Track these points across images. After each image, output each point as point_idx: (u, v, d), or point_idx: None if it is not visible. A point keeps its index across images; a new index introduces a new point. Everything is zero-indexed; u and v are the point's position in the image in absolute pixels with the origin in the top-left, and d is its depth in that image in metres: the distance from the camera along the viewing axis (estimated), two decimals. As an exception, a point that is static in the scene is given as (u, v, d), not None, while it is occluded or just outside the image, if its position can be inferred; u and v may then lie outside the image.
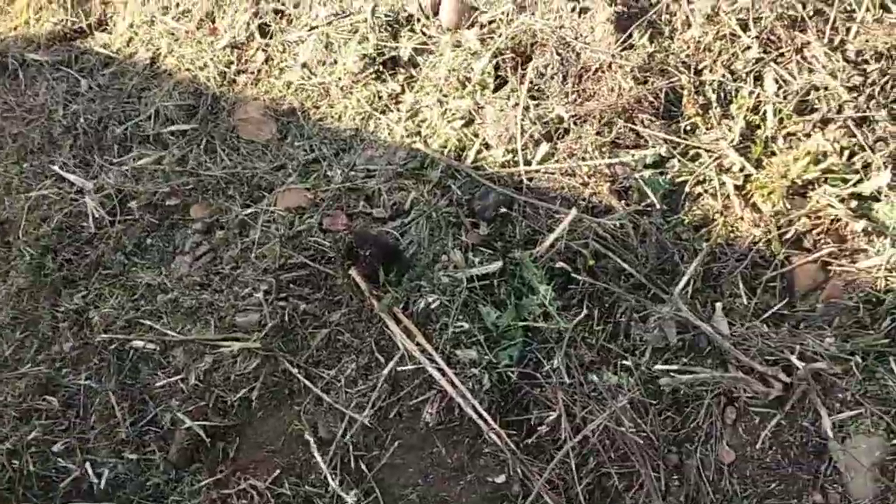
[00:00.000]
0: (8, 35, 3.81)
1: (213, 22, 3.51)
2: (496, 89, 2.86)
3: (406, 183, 2.80)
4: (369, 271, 2.60)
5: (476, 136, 2.80)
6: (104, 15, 3.76)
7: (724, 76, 2.49)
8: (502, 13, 3.02)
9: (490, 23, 3.04)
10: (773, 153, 2.38)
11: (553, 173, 2.56)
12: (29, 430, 2.65)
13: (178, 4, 3.60)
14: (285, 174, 3.01)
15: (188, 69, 3.40)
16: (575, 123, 2.61)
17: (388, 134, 2.98)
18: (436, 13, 3.19)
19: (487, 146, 2.75)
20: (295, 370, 2.51)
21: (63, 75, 3.58)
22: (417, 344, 2.42)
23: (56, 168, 3.31)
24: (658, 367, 2.15)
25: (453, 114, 2.88)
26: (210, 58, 3.38)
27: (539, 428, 2.23)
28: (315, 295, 2.67)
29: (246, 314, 2.68)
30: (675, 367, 2.14)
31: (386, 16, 3.22)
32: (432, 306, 2.43)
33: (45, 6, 3.81)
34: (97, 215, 3.11)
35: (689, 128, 2.52)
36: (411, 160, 2.86)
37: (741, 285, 2.25)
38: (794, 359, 2.07)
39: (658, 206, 2.39)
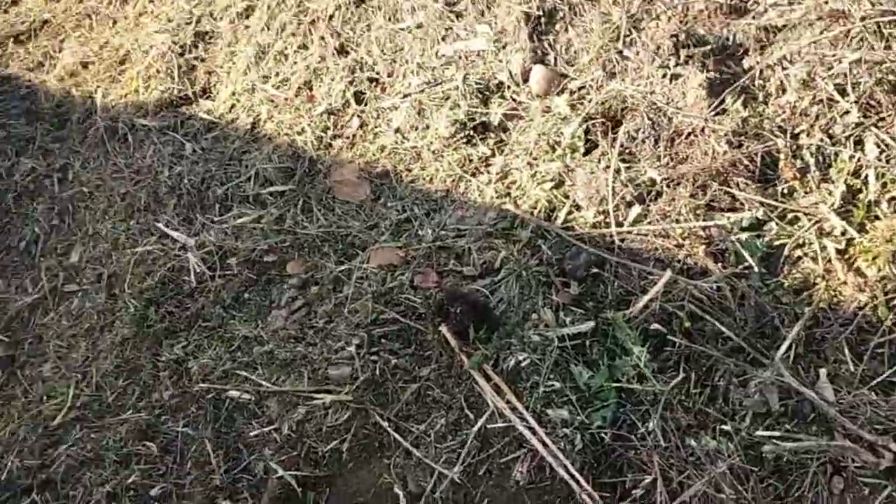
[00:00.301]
0: (119, 102, 4.07)
1: (311, 90, 3.69)
2: (586, 153, 2.91)
3: (496, 242, 2.85)
4: (459, 328, 2.64)
5: (566, 197, 2.84)
6: (208, 83, 3.99)
7: (822, 140, 2.48)
8: (592, 80, 3.09)
9: (580, 89, 3.12)
10: (877, 217, 2.34)
11: (646, 235, 2.57)
12: (128, 473, 2.74)
13: (277, 73, 3.80)
14: (378, 233, 3.10)
15: (286, 134, 3.57)
16: (668, 186, 2.63)
17: (479, 195, 3.05)
18: (525, 80, 3.28)
19: (578, 207, 2.79)
20: (385, 423, 2.54)
21: (169, 139, 3.80)
22: (507, 402, 2.42)
23: (160, 225, 3.48)
24: (760, 433, 2.10)
25: (543, 176, 2.94)
26: (307, 123, 3.55)
27: (633, 491, 2.19)
28: (406, 350, 2.71)
29: (338, 367, 2.74)
30: (777, 433, 2.09)
31: (477, 83, 3.33)
32: (522, 364, 2.44)
33: (153, 75, 4.07)
34: (198, 270, 3.25)
35: (786, 191, 2.50)
36: (501, 220, 2.91)
37: (846, 351, 2.19)
38: (905, 428, 2.00)
39: (756, 269, 2.36)
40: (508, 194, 3.00)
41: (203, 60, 4.06)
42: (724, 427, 2.16)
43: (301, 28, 3.86)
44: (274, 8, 4.00)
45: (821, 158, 2.49)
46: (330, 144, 3.50)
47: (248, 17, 4.10)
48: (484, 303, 2.68)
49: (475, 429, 2.41)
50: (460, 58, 3.47)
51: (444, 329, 2.65)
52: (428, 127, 3.33)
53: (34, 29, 4.65)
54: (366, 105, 3.54)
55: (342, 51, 3.72)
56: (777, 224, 2.44)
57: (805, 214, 2.41)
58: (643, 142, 2.79)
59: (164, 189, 3.61)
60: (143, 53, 4.18)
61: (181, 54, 4.07)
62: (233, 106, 3.82)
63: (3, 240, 3.81)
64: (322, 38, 3.78)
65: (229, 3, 4.17)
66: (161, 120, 3.89)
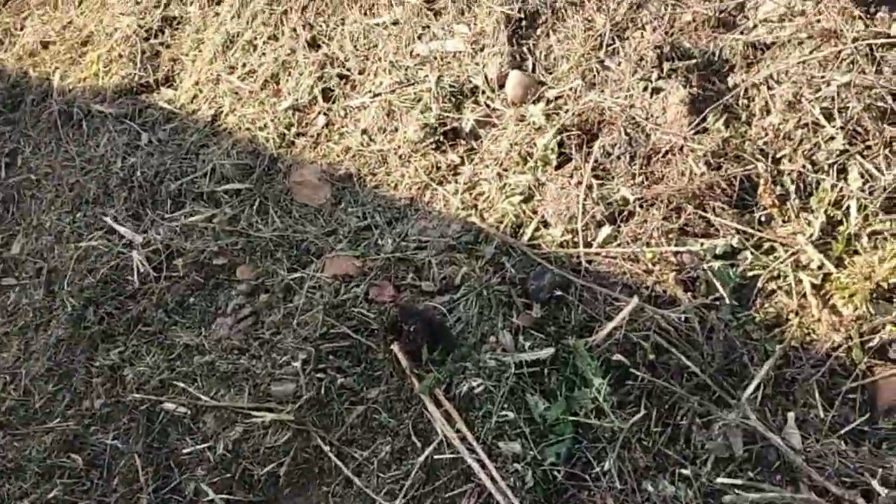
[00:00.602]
0: (77, 86, 3.93)
1: (278, 83, 3.56)
2: (559, 166, 2.80)
3: (458, 257, 2.73)
4: (412, 348, 2.51)
5: (535, 213, 2.73)
6: (172, 71, 3.86)
7: (804, 167, 2.38)
8: (570, 89, 2.98)
9: (557, 98, 3.01)
10: (857, 252, 2.23)
11: (615, 257, 2.46)
12: (50, 487, 2.60)
13: (244, 64, 3.68)
14: (335, 240, 2.98)
15: (248, 129, 3.44)
16: (641, 206, 2.52)
17: (444, 205, 2.94)
18: (501, 86, 3.17)
19: (546, 224, 2.68)
20: (327, 447, 2.42)
21: (125, 128, 3.66)
22: (457, 431, 2.30)
23: (108, 220, 3.35)
24: (721, 479, 1.99)
25: (512, 189, 2.82)
26: (271, 119, 3.42)
27: (584, 535, 2.08)
28: (354, 369, 2.59)
29: (282, 383, 2.61)
30: (739, 481, 1.98)
31: (450, 86, 3.22)
32: (476, 391, 2.33)
33: (115, 59, 3.94)
34: (142, 270, 3.11)
35: (763, 219, 2.40)
36: (465, 234, 2.80)
37: (817, 395, 2.08)
38: (875, 483, 1.89)
39: (727, 301, 2.26)
40: (475, 206, 2.88)
41: (168, 47, 3.93)
42: (683, 471, 2.05)
43: (273, 18, 3.73)
44: (250, -5, 3.87)
45: (802, 186, 2.39)
46: (293, 142, 3.37)
47: (219, 3, 3.97)
48: (440, 321, 2.56)
49: (421, 458, 2.29)
50: (435, 58, 3.35)
51: (395, 348, 2.53)
52: (396, 130, 3.21)
53: (-5, 3, 4.50)
54: (333, 103, 3.42)
55: (313, 44, 3.60)
56: (752, 253, 2.33)
57: (782, 245, 2.31)
58: (618, 158, 2.68)
59: (115, 181, 3.48)
60: (106, 36, 4.05)
61: (146, 39, 3.94)
62: (195, 96, 3.68)
63: (-58, 226, 3.67)
64: (294, 29, 3.66)
65: (197, -12, 4.04)
66: (119, 107, 3.75)
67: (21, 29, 4.40)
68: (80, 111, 3.79)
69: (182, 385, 2.71)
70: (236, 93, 3.60)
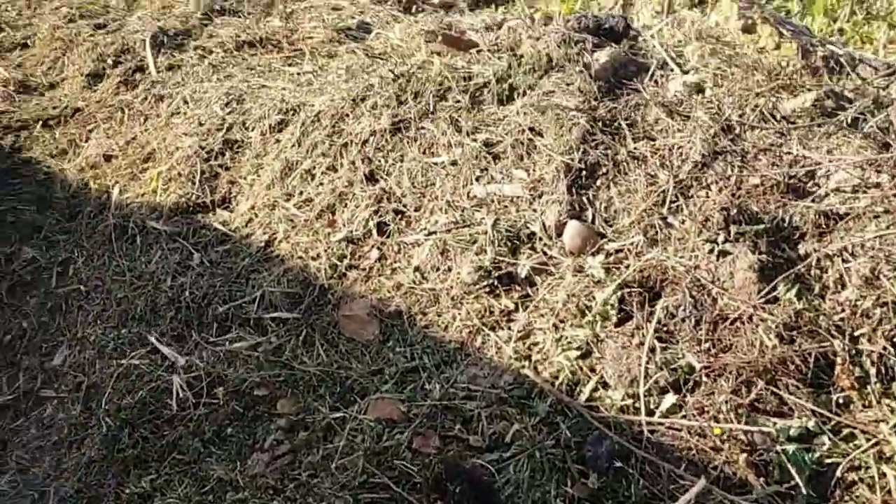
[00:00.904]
0: (135, 201, 3.96)
1: (333, 214, 3.55)
2: (619, 323, 2.69)
3: (509, 411, 2.60)
4: (458, 509, 2.35)
5: (592, 370, 2.60)
6: (229, 193, 3.88)
7: (885, 349, 2.25)
8: (631, 244, 2.92)
9: (617, 252, 2.94)
10: (946, 447, 2.08)
11: (679, 429, 2.31)
12: None
13: (301, 192, 3.68)
14: (381, 380, 2.86)
15: (301, 257, 3.40)
16: (707, 376, 2.39)
17: (496, 353, 2.83)
18: (559, 234, 3.12)
19: (605, 385, 2.55)
20: None
21: (178, 247, 3.65)
22: None
23: (152, 339, 3.28)
24: None
25: (569, 342, 2.71)
26: (324, 249, 3.38)
27: None
28: (394, 525, 2.42)
29: (316, 534, 2.44)
30: None
31: (507, 230, 3.17)
32: (526, 568, 2.14)
33: (174, 178, 3.98)
34: (182, 395, 3.01)
35: (842, 401, 2.26)
36: (518, 387, 2.67)
37: None
38: None
39: (803, 491, 2.08)
40: (529, 357, 2.77)
41: (227, 169, 3.97)
42: None
43: (332, 149, 3.76)
44: (308, 125, 3.93)
45: (883, 369, 2.25)
46: (344, 274, 3.32)
47: (280, 130, 4.03)
48: (488, 483, 2.40)
49: None
50: (492, 201, 3.32)
51: (439, 507, 2.37)
52: (450, 269, 3.15)
53: (65, 115, 4.62)
54: (388, 237, 3.38)
55: (371, 178, 3.61)
56: (830, 438, 2.18)
57: (862, 432, 2.15)
58: (683, 321, 2.57)
59: (163, 299, 3.43)
60: (167, 154, 4.11)
61: (206, 160, 3.99)
62: (250, 220, 3.68)
63: (-13, 332, 3.63)
64: (353, 162, 3.68)
65: (263, 115, 4.11)
66: (174, 225, 3.75)
67: (86, 141, 4.50)
68: (136, 227, 3.80)
69: (211, 526, 2.56)
70: (291, 220, 3.58)
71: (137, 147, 4.26)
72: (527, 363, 2.74)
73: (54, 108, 4.67)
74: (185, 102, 4.43)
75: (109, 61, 4.93)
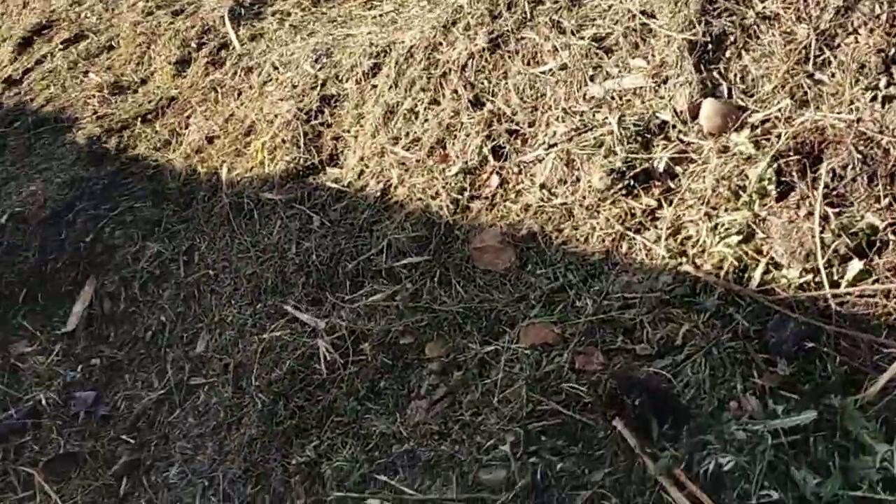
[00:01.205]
0: (244, 176, 4.06)
1: (444, 148, 3.51)
2: (780, 198, 2.53)
3: (674, 313, 2.50)
4: (638, 422, 2.29)
5: (759, 253, 2.46)
6: (335, 150, 3.91)
7: None
8: (778, 111, 2.73)
9: (763, 123, 2.76)
10: None
11: (872, 296, 2.15)
12: None
13: (408, 134, 3.66)
14: (528, 306, 2.82)
15: (420, 199, 3.39)
16: (895, 233, 2.21)
17: (647, 256, 2.72)
18: (694, 117, 2.96)
19: (777, 265, 2.41)
20: (553, 543, 2.21)
21: (296, 213, 3.71)
22: (708, 516, 2.04)
23: (288, 308, 3.36)
24: None
25: (727, 229, 2.58)
26: (442, 185, 3.36)
27: None
28: (571, 449, 2.38)
29: (491, 470, 2.44)
30: None
31: (635, 126, 3.04)
32: (725, 468, 2.05)
33: (279, 146, 4.04)
34: (329, 358, 3.08)
35: None
36: (678, 285, 2.57)
37: None
38: None
39: None
40: (684, 253, 2.65)
41: (329, 126, 3.99)
42: None
43: (431, 82, 3.72)
44: (402, 64, 3.89)
45: None
46: (467, 207, 3.28)
47: (374, 75, 4.01)
48: (666, 389, 2.33)
49: (668, 550, 2.04)
50: (613, 98, 3.20)
51: (618, 423, 2.31)
52: (579, 180, 3.05)
53: (161, 107, 4.78)
54: (505, 160, 3.32)
55: (477, 103, 3.54)
56: None
57: None
58: (854, 180, 2.39)
59: (291, 267, 3.51)
60: (267, 123, 4.18)
61: (307, 121, 4.03)
62: (361, 172, 3.70)
63: (129, 331, 3.82)
64: (454, 91, 3.62)
65: (355, 63, 4.11)
66: (287, 192, 3.82)
67: (186, 128, 4.64)
68: (250, 201, 3.89)
69: (384, 478, 2.60)
70: (403, 164, 3.57)
71: (237, 123, 4.36)
72: (683, 259, 2.62)
73: (150, 101, 4.83)
74: (275, 68, 4.48)
75: (193, 45, 5.05)
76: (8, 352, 3.96)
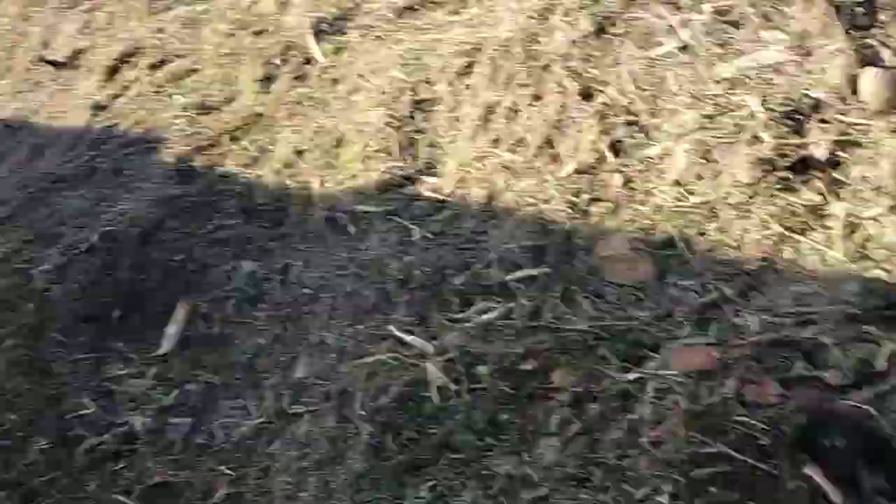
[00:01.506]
0: (337, 189, 3.59)
1: (553, 147, 2.95)
2: None
3: (869, 330, 1.90)
4: (841, 471, 1.69)
5: (976, 253, 1.83)
6: (432, 157, 3.40)
7: None
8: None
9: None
10: None
11: None
12: None
13: (510, 134, 3.12)
14: (674, 324, 2.25)
15: (530, 204, 2.85)
16: None
17: (820, 261, 2.12)
18: (854, 92, 2.33)
19: None
20: None
21: (394, 225, 3.22)
22: None
23: (392, 329, 2.86)
24: None
25: (924, 225, 1.95)
26: (555, 188, 2.81)
27: None
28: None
29: (649, 528, 1.88)
30: None
31: (781, 106, 2.43)
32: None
33: (371, 155, 3.56)
34: (440, 383, 2.56)
35: None
36: (869, 295, 1.96)
37: None
38: None
39: None
40: (867, 256, 2.05)
41: (423, 132, 3.48)
42: None
43: (532, 76, 3.17)
44: (497, 59, 3.36)
45: None
46: (586, 211, 2.72)
47: (467, 74, 3.48)
48: (873, 429, 1.72)
49: None
50: (748, 78, 2.59)
51: (813, 472, 1.73)
52: (719, 173, 2.46)
53: (248, 124, 4.36)
54: (626, 156, 2.74)
55: (586, 95, 2.98)
56: None
57: None
58: None
59: (392, 284, 3.00)
60: (357, 133, 3.70)
61: (399, 127, 3.53)
62: (462, 179, 3.17)
63: (225, 354, 3.39)
64: (559, 83, 3.07)
65: (445, 64, 3.59)
66: (383, 204, 3.33)
67: (274, 143, 4.20)
68: (345, 214, 3.41)
69: (516, 533, 2.07)
70: (507, 167, 3.03)
71: (325, 135, 3.89)
72: (870, 263, 2.01)
73: (236, 119, 4.41)
74: (362, 77, 4.00)
75: (277, 61, 4.62)
76: (102, 374, 3.58)
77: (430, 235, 3.05)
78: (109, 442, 3.28)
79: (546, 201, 2.81)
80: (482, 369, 2.52)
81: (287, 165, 3.95)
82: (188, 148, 4.43)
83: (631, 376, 2.20)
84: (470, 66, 3.51)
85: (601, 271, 2.54)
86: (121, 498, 3.07)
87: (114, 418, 3.37)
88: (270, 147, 4.19)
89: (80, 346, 3.74)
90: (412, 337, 2.79)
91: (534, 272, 2.67)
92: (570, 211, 2.73)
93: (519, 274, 2.70)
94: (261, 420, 3.06)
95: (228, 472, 2.98)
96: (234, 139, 4.34)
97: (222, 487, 2.94)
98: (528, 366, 2.44)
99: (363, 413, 2.71)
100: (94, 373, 3.63)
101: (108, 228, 4.05)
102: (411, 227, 3.14)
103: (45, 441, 3.37)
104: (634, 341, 2.28)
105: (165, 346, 3.61)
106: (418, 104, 3.59)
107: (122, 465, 3.22)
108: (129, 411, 3.39)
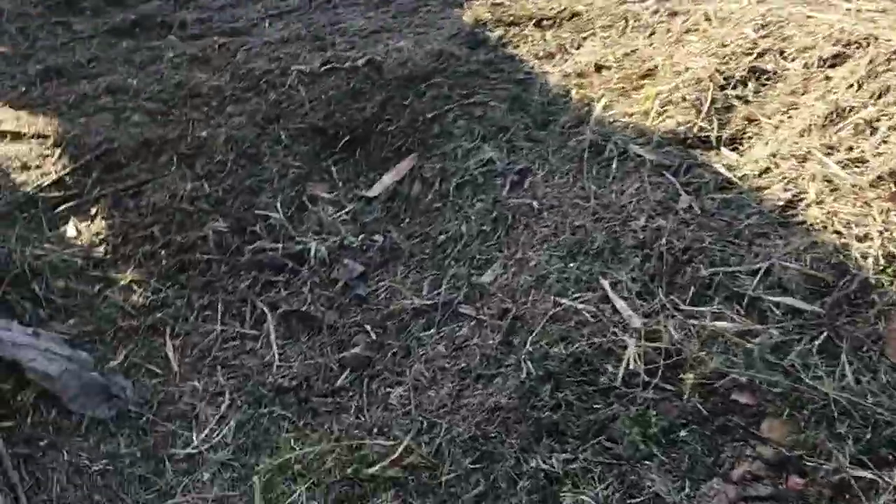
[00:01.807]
0: (620, 120, 3.34)
1: (899, 186, 2.52)
2: None
3: None
4: None
5: None
6: (743, 132, 3.04)
7: None
8: None
9: None
10: None
11: None
12: None
13: (851, 148, 2.71)
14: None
15: (838, 232, 2.45)
16: None
17: None
18: None
19: None
20: None
21: (663, 182, 2.93)
22: None
23: (605, 284, 2.63)
24: None
25: None
26: (879, 229, 2.39)
27: None
28: None
29: None
30: None
31: None
32: None
33: (675, 102, 3.26)
34: (632, 367, 2.30)
35: None
36: None
37: None
38: None
39: None
40: None
41: (747, 102, 3.12)
42: None
43: None
44: (878, 64, 2.91)
45: None
46: (901, 273, 2.30)
47: (832, 66, 3.06)
48: None
49: None
50: None
51: None
52: None
53: (561, 18, 4.19)
54: None
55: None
56: None
57: None
58: None
59: (629, 240, 2.74)
60: (672, 73, 3.40)
61: (722, 87, 3.19)
62: (767, 169, 2.80)
63: (425, 225, 3.32)
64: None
65: (811, 44, 3.18)
66: (663, 156, 3.04)
67: (578, 48, 4.00)
68: (615, 148, 3.16)
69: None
70: (830, 180, 2.63)
71: (636, 60, 3.63)
72: None
73: (551, 8, 4.27)
74: (707, 19, 3.68)
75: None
76: (304, 188, 3.65)
77: (698, 210, 2.74)
78: (278, 252, 3.35)
79: (860, 239, 2.40)
80: (688, 375, 2.23)
81: (579, 74, 3.76)
82: (489, 16, 4.36)
83: (864, 473, 1.83)
84: (840, 58, 3.08)
85: (886, 345, 2.13)
86: (265, 308, 3.13)
87: (295, 234, 3.44)
88: (572, 50, 4.01)
89: (297, 153, 3.84)
90: (623, 303, 2.54)
91: (804, 307, 2.30)
92: (884, 262, 2.31)
93: (783, 299, 2.34)
94: (427, 303, 2.97)
95: (372, 333, 2.94)
96: (539, 27, 4.22)
97: (360, 346, 2.91)
98: (741, 398, 2.13)
99: (531, 349, 2.53)
100: (298, 183, 3.72)
101: (377, 58, 4.10)
102: (682, 192, 2.84)
103: (223, 225, 3.50)
104: (881, 432, 1.90)
105: (375, 191, 3.61)
106: (756, 72, 3.22)
107: (279, 279, 3.28)
108: (313, 234, 3.43)
